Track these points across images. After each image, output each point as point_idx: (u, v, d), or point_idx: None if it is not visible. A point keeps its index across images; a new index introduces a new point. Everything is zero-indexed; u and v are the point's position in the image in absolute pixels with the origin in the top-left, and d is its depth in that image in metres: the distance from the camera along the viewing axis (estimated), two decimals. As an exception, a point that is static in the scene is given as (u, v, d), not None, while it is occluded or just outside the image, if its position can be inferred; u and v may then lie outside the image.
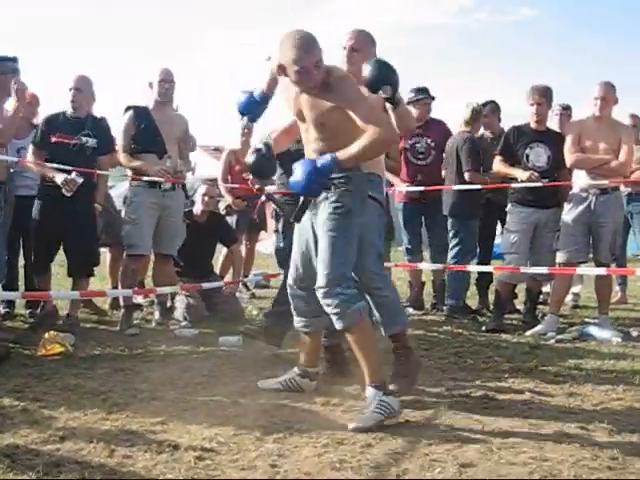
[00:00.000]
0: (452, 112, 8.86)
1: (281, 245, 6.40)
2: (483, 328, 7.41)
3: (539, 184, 7.23)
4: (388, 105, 4.92)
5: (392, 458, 3.66)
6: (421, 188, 8.06)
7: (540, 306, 8.26)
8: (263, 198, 7.76)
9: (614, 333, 7.02)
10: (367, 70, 4.75)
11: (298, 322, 4.81)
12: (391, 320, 4.99)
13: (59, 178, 6.64)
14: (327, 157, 4.19)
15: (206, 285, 7.38)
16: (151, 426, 4.09)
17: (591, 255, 7.48)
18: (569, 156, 7.21)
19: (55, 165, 6.70)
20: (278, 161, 7.21)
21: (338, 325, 4.37)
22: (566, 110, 8.56)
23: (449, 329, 7.41)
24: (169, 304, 7.61)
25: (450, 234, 8.23)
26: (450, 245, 8.22)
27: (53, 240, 6.95)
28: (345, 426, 4.09)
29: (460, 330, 7.36)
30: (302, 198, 4.42)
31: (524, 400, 4.76)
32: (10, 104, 6.61)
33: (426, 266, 8.55)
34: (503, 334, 7.16)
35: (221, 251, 9.05)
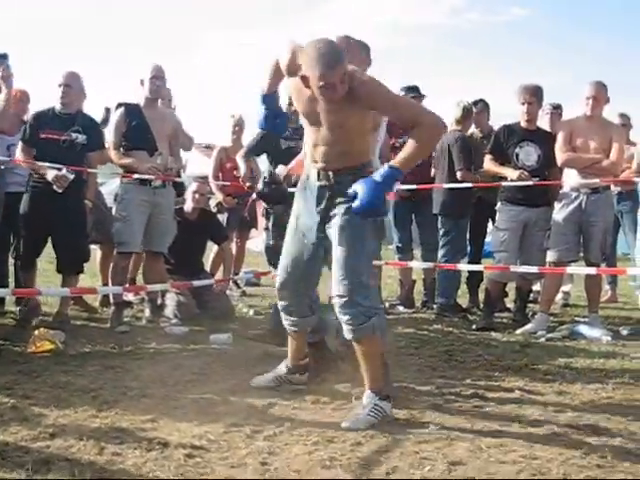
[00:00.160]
0: (443, 112, 8.83)
1: (271, 243, 6.39)
2: (473, 326, 7.43)
3: (529, 183, 7.25)
4: None
5: (382, 456, 3.66)
6: (412, 186, 8.06)
7: (530, 305, 8.28)
8: (254, 196, 7.75)
9: (604, 332, 7.04)
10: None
11: (286, 321, 4.76)
12: None
13: (50, 174, 6.63)
14: (385, 169, 4.08)
15: (197, 283, 7.38)
16: (141, 424, 4.08)
17: (581, 254, 7.50)
18: (560, 155, 7.22)
19: (46, 164, 6.69)
20: (269, 159, 7.25)
21: (348, 335, 4.30)
22: (557, 109, 8.56)
23: (439, 327, 7.42)
24: (159, 302, 7.59)
25: (440, 233, 8.24)
26: (440, 244, 8.23)
27: (41, 236, 6.94)
28: (335, 424, 4.10)
29: (450, 328, 7.37)
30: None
31: (514, 398, 4.78)
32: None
33: (416, 264, 8.56)
34: (493, 332, 7.17)
35: (212, 249, 9.05)
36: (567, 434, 4.05)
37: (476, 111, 8.64)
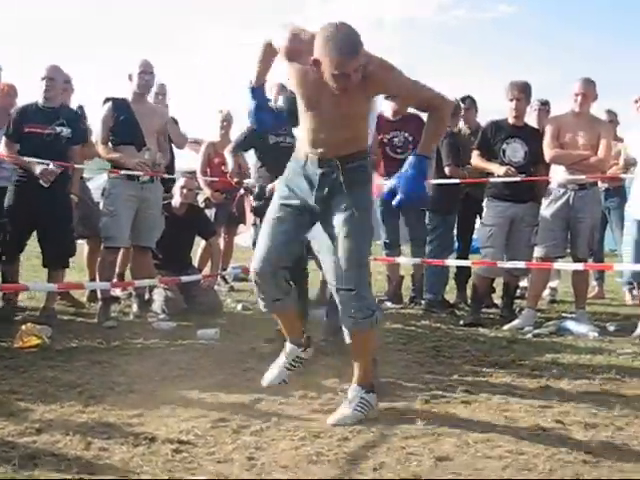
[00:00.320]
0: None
1: (259, 238, 6.40)
2: (461, 322, 7.43)
3: (517, 179, 7.26)
4: None
5: (369, 451, 3.67)
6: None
7: (517, 300, 8.29)
8: (242, 191, 7.75)
9: (591, 328, 7.06)
10: None
11: (263, 306, 4.50)
12: None
13: (37, 169, 6.61)
14: (415, 158, 4.01)
15: (185, 278, 7.37)
16: (128, 419, 4.08)
17: (569, 250, 7.51)
18: (548, 151, 7.24)
19: (34, 159, 6.66)
20: (257, 154, 7.24)
21: (348, 325, 4.20)
22: (544, 105, 8.57)
23: (427, 323, 7.43)
24: (147, 297, 7.58)
25: (428, 228, 8.25)
26: (428, 239, 8.24)
27: (25, 230, 6.92)
28: (322, 419, 4.10)
29: (438, 324, 7.37)
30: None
31: (501, 394, 4.78)
32: None
33: (404, 260, 8.57)
34: (481, 328, 7.18)
35: (199, 244, 9.03)
36: (553, 430, 4.06)
37: (464, 107, 8.65)
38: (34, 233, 7.05)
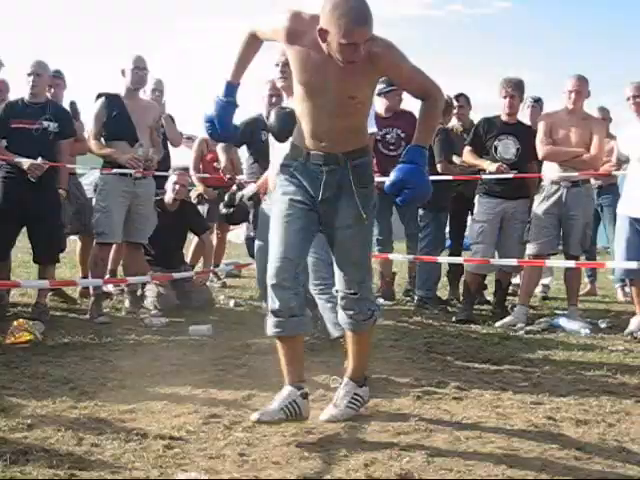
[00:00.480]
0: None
1: (252, 234, 6.41)
2: (453, 319, 7.43)
3: (509, 176, 7.27)
4: None
5: (360, 447, 3.67)
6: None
7: (510, 297, 8.30)
8: (234, 187, 7.76)
9: (583, 325, 7.07)
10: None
11: (274, 325, 3.95)
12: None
13: (26, 163, 6.58)
14: (416, 150, 3.82)
15: (177, 275, 7.37)
16: (120, 415, 4.08)
17: (561, 247, 7.53)
18: (541, 148, 7.25)
19: (23, 159, 6.64)
20: (250, 151, 7.24)
21: (347, 326, 4.14)
22: (537, 103, 8.59)
23: (419, 320, 7.43)
24: (139, 293, 7.57)
25: (420, 225, 8.26)
26: (420, 236, 8.24)
27: (14, 226, 6.89)
28: (314, 415, 4.09)
29: (430, 321, 7.38)
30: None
31: (492, 391, 4.79)
32: None
33: (397, 257, 8.57)
34: (473, 325, 7.19)
35: (192, 240, 9.02)
36: (545, 426, 4.07)
37: (458, 105, 8.66)
38: (25, 229, 7.01)
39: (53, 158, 6.82)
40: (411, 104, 8.16)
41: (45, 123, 6.82)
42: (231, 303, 8.10)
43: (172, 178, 8.04)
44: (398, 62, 3.76)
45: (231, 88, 4.07)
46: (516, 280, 8.70)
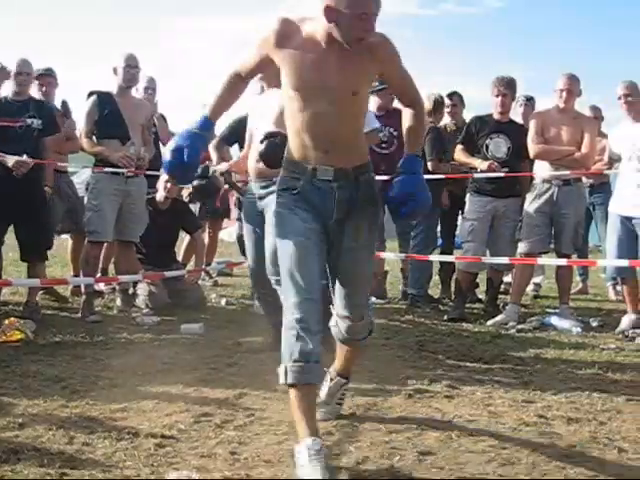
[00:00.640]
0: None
1: (243, 233, 6.41)
2: (445, 317, 7.44)
3: (500, 174, 7.28)
4: None
5: (352, 446, 3.67)
6: (384, 177, 8.05)
7: (501, 296, 8.31)
8: (226, 186, 7.75)
9: (574, 323, 7.09)
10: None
11: (299, 372, 3.40)
12: None
13: (10, 161, 6.56)
14: (412, 160, 3.74)
15: (169, 273, 7.36)
16: (111, 413, 4.08)
17: (553, 246, 7.54)
18: (532, 147, 7.26)
19: (8, 157, 6.62)
20: (240, 149, 7.23)
21: (345, 341, 3.95)
22: (529, 101, 8.61)
23: (411, 318, 7.43)
24: (131, 291, 7.56)
25: (412, 224, 8.25)
26: (412, 234, 8.24)
27: (1, 224, 6.87)
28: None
29: (422, 319, 7.39)
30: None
31: (484, 389, 4.79)
32: None
33: (389, 255, 8.57)
34: (464, 323, 7.20)
35: (184, 238, 9.02)
36: (536, 424, 4.08)
37: (451, 104, 8.66)
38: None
39: (38, 155, 6.80)
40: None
41: (29, 120, 6.80)
42: (223, 302, 8.09)
43: (163, 177, 8.02)
44: (395, 53, 3.59)
45: (208, 124, 3.79)
46: (508, 279, 8.70)
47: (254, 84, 6.32)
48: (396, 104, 8.41)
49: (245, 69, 3.73)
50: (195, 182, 6.48)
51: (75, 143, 7.54)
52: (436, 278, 8.80)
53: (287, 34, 3.52)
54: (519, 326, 7.04)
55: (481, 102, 8.88)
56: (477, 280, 8.43)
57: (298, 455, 3.29)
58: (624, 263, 6.75)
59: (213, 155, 7.53)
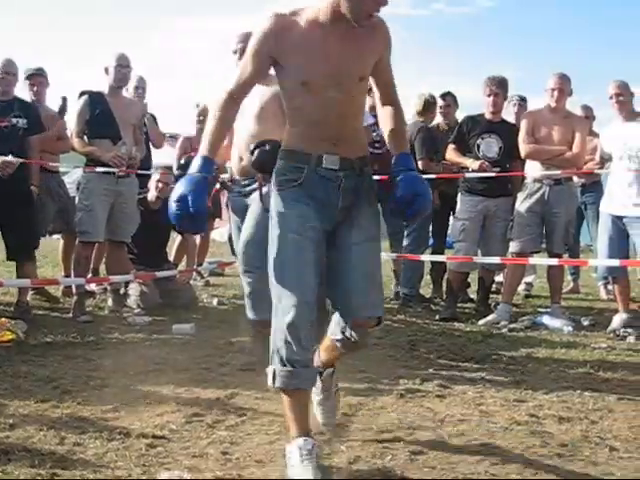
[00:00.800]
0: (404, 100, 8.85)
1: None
2: (436, 317, 7.44)
3: (492, 174, 7.29)
4: None
5: (344, 445, 3.67)
6: (376, 177, 8.03)
7: (493, 295, 8.32)
8: (218, 186, 7.74)
9: (566, 322, 7.10)
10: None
11: (287, 377, 3.31)
12: None
13: None
14: (405, 157, 3.61)
15: (160, 273, 7.35)
16: (102, 414, 4.08)
17: (544, 245, 7.55)
18: (523, 146, 7.27)
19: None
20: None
21: (355, 349, 3.62)
22: (524, 101, 8.64)
23: (403, 318, 7.43)
24: (122, 291, 7.55)
25: (404, 223, 8.24)
26: (405, 234, 8.24)
27: None
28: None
29: (413, 319, 7.39)
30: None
31: (476, 388, 4.80)
32: None
33: (382, 255, 8.55)
34: (456, 323, 7.20)
35: (175, 239, 9.00)
36: (528, 423, 4.08)
37: (445, 104, 8.67)
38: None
39: (23, 154, 6.80)
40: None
41: (14, 120, 6.80)
42: (214, 302, 8.09)
43: (155, 176, 8.02)
44: (390, 38, 3.47)
45: (208, 163, 3.41)
46: (499, 278, 8.71)
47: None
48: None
49: (241, 86, 3.45)
50: (177, 172, 6.48)
51: (66, 143, 7.54)
52: (428, 278, 8.81)
53: (285, 27, 3.33)
54: (511, 325, 7.05)
55: (473, 102, 8.85)
56: (469, 280, 8.44)
57: (290, 455, 3.27)
58: (615, 263, 6.76)
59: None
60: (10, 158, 6.55)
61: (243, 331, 5.99)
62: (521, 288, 8.81)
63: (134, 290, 7.52)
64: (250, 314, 5.28)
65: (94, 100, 7.01)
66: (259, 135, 5.02)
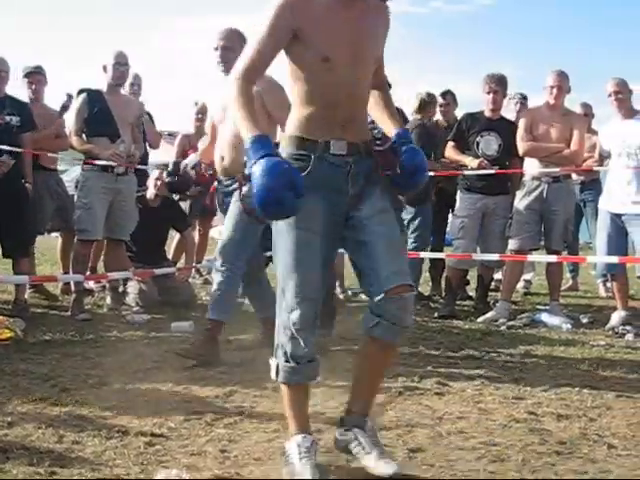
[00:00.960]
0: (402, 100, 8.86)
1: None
2: (435, 314, 7.45)
3: (491, 171, 7.29)
4: None
5: (342, 443, 3.66)
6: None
7: (492, 293, 8.32)
8: (216, 184, 7.74)
9: (564, 320, 7.10)
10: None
11: (291, 372, 3.28)
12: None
13: None
14: (405, 133, 3.52)
15: (159, 271, 7.35)
16: (101, 412, 4.07)
17: (543, 242, 7.55)
18: (521, 144, 7.27)
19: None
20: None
21: (390, 337, 3.31)
22: (525, 100, 8.65)
23: (401, 315, 7.41)
24: (121, 289, 7.55)
25: (406, 222, 8.22)
26: (409, 231, 8.15)
27: None
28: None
29: (412, 316, 7.36)
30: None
31: (474, 386, 4.80)
32: None
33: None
34: (455, 320, 7.21)
35: (174, 236, 9.00)
36: (526, 421, 4.08)
37: (444, 102, 8.66)
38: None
39: (17, 152, 6.83)
40: (398, 99, 8.12)
41: (7, 117, 6.82)
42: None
43: (154, 174, 8.02)
44: (389, 20, 3.36)
45: (268, 141, 2.99)
46: (498, 276, 8.71)
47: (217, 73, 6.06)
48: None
49: (258, 66, 3.20)
50: (168, 179, 6.50)
51: (64, 141, 7.55)
52: (426, 275, 8.81)
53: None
54: (509, 323, 7.06)
55: (472, 100, 8.86)
56: (467, 277, 8.44)
57: (288, 452, 3.26)
58: (614, 260, 6.77)
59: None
60: (4, 158, 6.55)
61: (241, 329, 6.00)
62: (520, 286, 8.82)
63: (133, 288, 7.52)
64: (211, 312, 5.46)
65: (92, 98, 7.01)
66: (240, 135, 5.08)
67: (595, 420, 4.12)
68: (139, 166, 7.45)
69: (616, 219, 6.92)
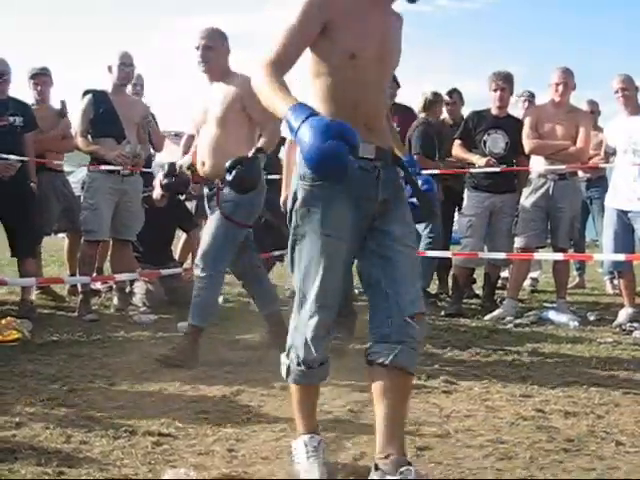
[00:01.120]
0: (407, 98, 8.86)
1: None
2: (442, 313, 7.44)
3: (497, 169, 7.29)
4: None
5: (350, 441, 3.67)
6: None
7: (499, 291, 8.32)
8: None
9: (571, 317, 7.09)
10: None
11: (303, 375, 3.23)
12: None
13: None
14: (414, 160, 3.47)
15: (165, 271, 7.35)
16: (108, 412, 4.07)
17: (549, 240, 7.55)
18: (527, 142, 7.26)
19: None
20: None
21: (406, 363, 3.07)
22: (533, 97, 8.66)
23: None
24: (128, 290, 7.56)
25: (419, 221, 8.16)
26: (422, 228, 8.06)
27: None
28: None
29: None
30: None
31: (482, 384, 4.79)
32: None
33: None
34: (462, 318, 7.21)
35: (180, 237, 9.00)
36: (534, 418, 4.07)
37: (451, 101, 8.65)
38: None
39: (22, 152, 6.86)
40: (405, 98, 8.11)
41: (11, 118, 6.84)
42: (220, 299, 8.07)
43: (160, 175, 8.01)
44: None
45: (309, 106, 2.73)
46: (505, 274, 8.71)
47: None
48: (398, 99, 8.37)
49: (286, 61, 2.98)
50: (165, 180, 6.51)
51: (70, 142, 7.55)
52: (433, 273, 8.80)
53: None
54: (517, 321, 7.05)
55: (477, 99, 8.88)
56: (474, 275, 8.43)
57: (295, 452, 3.26)
58: (620, 257, 6.76)
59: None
60: (11, 161, 6.57)
61: (248, 328, 6.00)
62: (527, 283, 8.82)
63: (139, 288, 7.53)
64: (191, 317, 5.45)
65: (98, 99, 7.01)
66: (220, 138, 5.33)
67: (603, 417, 4.12)
68: (143, 169, 7.45)
69: (622, 216, 6.91)
